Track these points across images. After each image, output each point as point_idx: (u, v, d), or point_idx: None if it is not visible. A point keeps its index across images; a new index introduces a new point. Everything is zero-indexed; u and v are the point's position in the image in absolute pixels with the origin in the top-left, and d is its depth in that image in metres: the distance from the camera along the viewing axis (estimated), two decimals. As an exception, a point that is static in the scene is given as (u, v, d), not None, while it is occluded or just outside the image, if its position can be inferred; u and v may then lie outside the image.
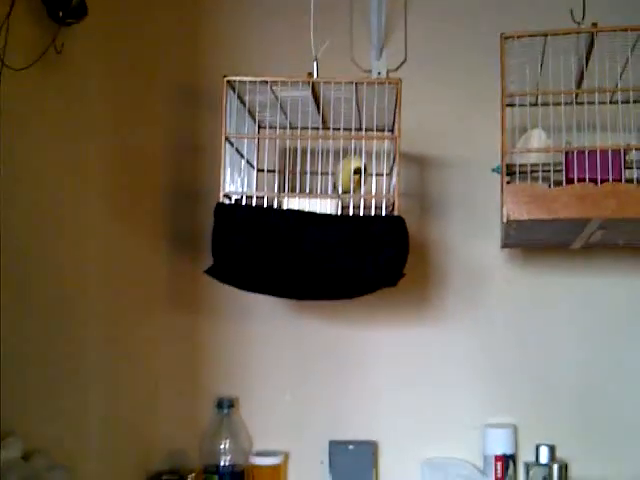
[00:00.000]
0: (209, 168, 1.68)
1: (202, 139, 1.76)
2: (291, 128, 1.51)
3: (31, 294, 1.59)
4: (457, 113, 1.74)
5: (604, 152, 1.31)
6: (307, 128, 1.47)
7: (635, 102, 1.44)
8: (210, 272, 1.38)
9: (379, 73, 1.76)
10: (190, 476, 1.65)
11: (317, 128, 1.52)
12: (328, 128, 1.47)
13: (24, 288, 1.57)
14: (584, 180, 1.30)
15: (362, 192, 1.41)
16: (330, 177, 1.48)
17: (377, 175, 1.49)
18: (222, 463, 1.67)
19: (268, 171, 1.51)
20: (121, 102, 1.78)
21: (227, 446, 1.68)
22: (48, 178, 1.63)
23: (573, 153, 1.33)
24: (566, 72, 1.39)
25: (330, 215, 1.38)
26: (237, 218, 1.36)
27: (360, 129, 1.45)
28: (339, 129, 1.44)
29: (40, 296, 1.61)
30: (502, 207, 1.33)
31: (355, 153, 1.43)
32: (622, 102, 1.39)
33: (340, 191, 1.41)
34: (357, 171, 1.43)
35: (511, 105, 1.41)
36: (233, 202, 1.41)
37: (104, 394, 1.71)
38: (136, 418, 1.73)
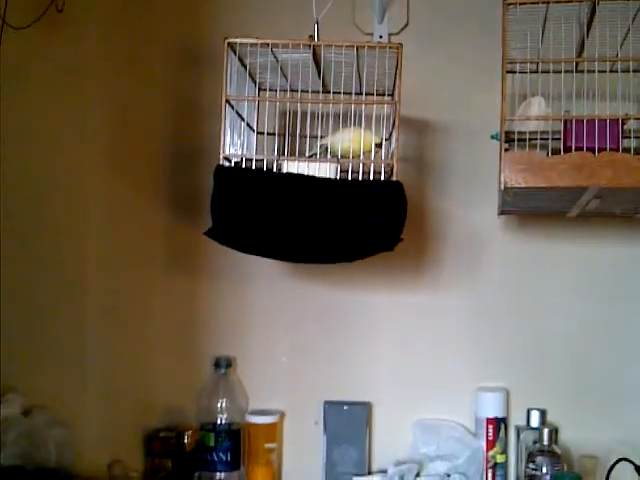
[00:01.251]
0: (208, 129, 1.69)
1: (202, 100, 1.75)
2: (291, 91, 1.51)
3: (30, 252, 1.60)
4: (457, 78, 1.73)
5: (602, 121, 1.32)
6: (307, 91, 1.47)
7: (635, 71, 1.43)
8: (209, 234, 1.39)
9: (380, 37, 1.76)
10: (187, 433, 1.67)
11: (317, 92, 1.51)
12: (328, 92, 1.47)
13: (23, 246, 1.58)
14: (582, 149, 1.31)
15: (360, 158, 1.41)
16: (323, 141, 1.48)
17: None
18: (219, 421, 1.70)
19: (268, 134, 1.51)
20: (121, 62, 1.77)
21: (224, 405, 1.70)
22: (47, 137, 1.63)
23: (572, 122, 1.33)
24: (567, 40, 1.38)
25: (329, 179, 1.38)
26: (237, 181, 1.37)
27: (360, 93, 1.46)
28: (339, 93, 1.44)
29: (40, 254, 1.63)
30: (500, 174, 1.34)
31: (355, 117, 1.43)
32: (622, 71, 1.38)
33: (339, 155, 1.41)
34: (379, 145, 1.44)
35: (512, 72, 1.40)
36: (233, 165, 1.42)
37: (103, 352, 1.74)
38: (134, 376, 1.75)
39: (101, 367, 1.74)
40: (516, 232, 1.73)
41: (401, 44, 1.38)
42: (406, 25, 1.77)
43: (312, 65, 1.44)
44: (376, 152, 1.43)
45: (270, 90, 1.52)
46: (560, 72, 1.38)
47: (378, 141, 1.44)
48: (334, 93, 1.44)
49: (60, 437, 1.59)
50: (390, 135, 1.45)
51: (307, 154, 1.44)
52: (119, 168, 1.77)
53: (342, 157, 1.41)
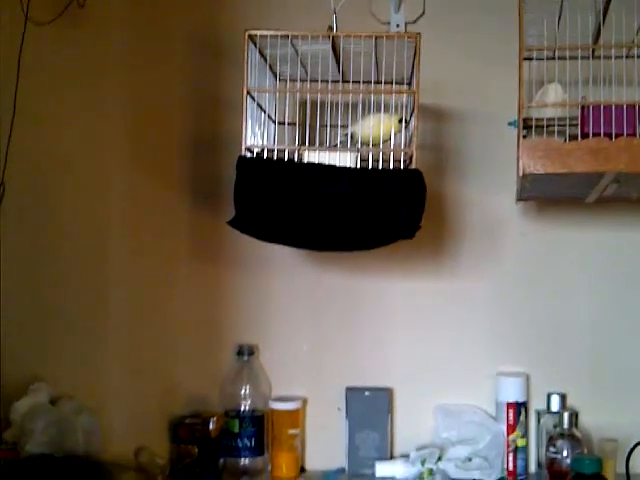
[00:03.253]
0: (229, 119, 1.71)
1: (222, 90, 1.77)
2: (311, 81, 1.53)
3: (54, 244, 1.63)
4: (474, 65, 1.74)
5: (619, 107, 1.33)
6: (326, 81, 1.48)
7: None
8: (232, 223, 1.41)
9: (397, 25, 1.76)
10: (212, 420, 1.69)
11: (336, 81, 1.52)
12: (347, 81, 1.48)
13: (47, 239, 1.61)
14: (599, 135, 1.32)
15: (380, 147, 1.43)
16: (349, 129, 1.49)
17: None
18: (242, 408, 1.72)
19: (288, 124, 1.52)
20: (142, 54, 1.79)
21: (247, 391, 1.72)
22: (67, 131, 1.66)
23: (589, 108, 1.35)
24: (583, 27, 1.39)
25: (349, 168, 1.40)
26: (259, 171, 1.39)
27: (379, 82, 1.47)
28: (358, 82, 1.45)
29: (63, 246, 1.66)
30: (518, 161, 1.35)
31: (374, 106, 1.45)
32: (638, 57, 1.39)
33: (359, 144, 1.43)
34: (401, 120, 1.46)
35: (529, 59, 1.41)
36: (255, 155, 1.44)
37: (128, 341, 1.77)
38: (159, 364, 1.77)
39: (126, 355, 1.77)
40: (534, 218, 1.74)
41: (419, 34, 1.40)
42: (422, 13, 1.76)
43: (331, 55, 1.46)
44: (398, 131, 1.44)
45: (289, 80, 1.53)
46: (577, 58, 1.39)
47: (400, 118, 1.45)
48: (353, 82, 1.45)
49: (87, 425, 1.62)
50: (408, 123, 1.47)
51: (332, 143, 1.45)
52: (141, 160, 1.79)
53: (365, 144, 1.43)
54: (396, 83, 1.46)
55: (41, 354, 1.66)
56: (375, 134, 1.43)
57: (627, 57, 1.44)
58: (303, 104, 1.55)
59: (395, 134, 1.44)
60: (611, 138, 1.31)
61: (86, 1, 1.56)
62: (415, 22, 1.74)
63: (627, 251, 1.72)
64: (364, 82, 1.45)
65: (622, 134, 1.31)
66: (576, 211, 1.71)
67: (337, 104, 1.47)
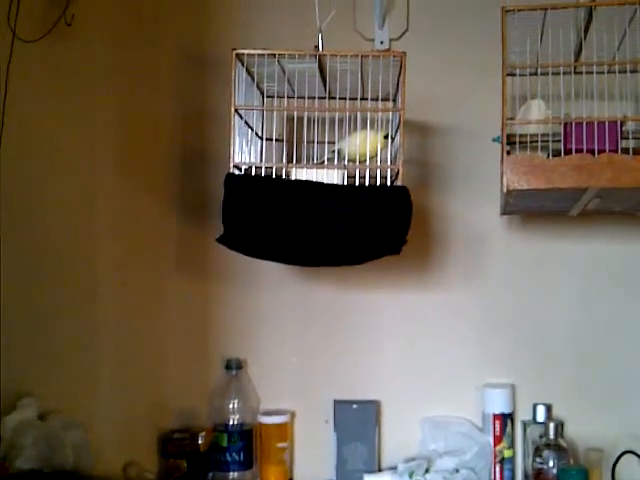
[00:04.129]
0: (215, 134, 1.73)
1: (208, 105, 1.78)
2: (297, 98, 1.54)
3: (41, 258, 1.63)
4: (458, 81, 1.76)
5: (601, 124, 1.35)
6: (313, 98, 1.49)
7: (632, 72, 1.46)
8: (221, 240, 1.43)
9: (382, 42, 1.79)
10: (201, 434, 1.69)
11: (323, 97, 1.54)
12: (333, 97, 1.50)
13: (34, 252, 1.61)
14: (582, 151, 1.34)
15: (367, 162, 1.44)
16: (336, 146, 1.51)
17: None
18: (231, 422, 1.73)
19: (275, 140, 1.54)
20: (129, 70, 1.80)
21: (236, 405, 1.73)
22: (55, 145, 1.66)
23: (571, 124, 1.37)
24: (565, 43, 1.42)
25: (336, 185, 1.41)
26: (247, 188, 1.40)
27: (365, 98, 1.49)
28: (344, 98, 1.47)
29: (50, 260, 1.66)
30: (502, 177, 1.37)
31: (360, 123, 1.46)
32: (619, 72, 1.41)
33: (346, 161, 1.45)
34: (386, 136, 1.47)
35: (512, 74, 1.43)
36: (242, 172, 1.45)
37: (117, 356, 1.77)
38: (148, 379, 1.78)
39: (114, 370, 1.77)
40: (519, 231, 1.75)
41: (404, 53, 1.41)
42: (406, 30, 1.79)
43: (317, 73, 1.47)
44: (384, 147, 1.46)
45: (276, 97, 1.54)
46: (559, 74, 1.41)
47: (385, 134, 1.47)
48: (339, 99, 1.47)
49: (76, 440, 1.62)
50: (393, 139, 1.48)
51: (320, 159, 1.46)
52: (128, 174, 1.79)
53: (351, 161, 1.45)
54: (382, 99, 1.48)
55: (29, 369, 1.65)
56: (361, 151, 1.44)
57: (608, 72, 1.45)
58: (290, 120, 1.57)
59: (381, 150, 1.45)
60: (594, 154, 1.33)
61: (73, 19, 1.56)
62: (399, 39, 1.78)
63: (611, 263, 1.73)
64: (350, 98, 1.47)
65: (604, 150, 1.34)
66: (560, 224, 1.72)
67: (323, 120, 1.49)
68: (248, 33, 1.76)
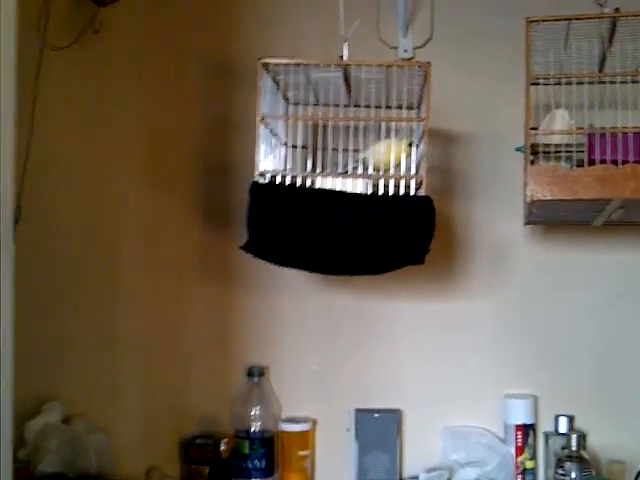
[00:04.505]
0: (240, 141, 1.74)
1: (233, 114, 1.79)
2: (321, 105, 1.55)
3: (66, 265, 1.65)
4: (481, 90, 1.76)
5: (626, 134, 1.35)
6: (337, 105, 1.50)
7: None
8: (245, 248, 1.43)
9: (405, 50, 1.80)
10: (223, 441, 1.70)
11: (347, 106, 1.54)
12: (358, 105, 1.51)
13: (60, 259, 1.63)
14: (605, 161, 1.34)
15: (392, 171, 1.45)
16: (361, 154, 1.52)
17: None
18: (253, 429, 1.73)
19: (300, 147, 1.55)
20: (156, 79, 1.81)
21: (257, 412, 1.73)
22: (81, 153, 1.68)
23: (595, 135, 1.37)
24: (589, 53, 1.42)
25: (361, 194, 1.42)
26: (272, 197, 1.41)
27: (389, 107, 1.49)
28: (368, 106, 1.48)
29: (75, 267, 1.68)
30: (525, 187, 1.38)
31: (385, 131, 1.47)
32: (644, 82, 1.42)
33: (370, 170, 1.45)
34: (411, 144, 1.47)
35: (535, 84, 1.43)
36: (267, 181, 1.46)
37: (140, 362, 1.78)
38: (171, 385, 1.79)
39: (138, 375, 1.78)
40: (542, 241, 1.75)
41: (429, 63, 1.42)
42: (430, 38, 1.80)
43: (342, 82, 1.48)
44: (408, 155, 1.46)
45: (300, 104, 1.55)
46: (583, 83, 1.41)
47: (410, 142, 1.48)
48: (364, 107, 1.47)
49: (99, 444, 1.63)
50: (418, 146, 1.49)
51: (344, 167, 1.47)
52: (153, 181, 1.81)
53: (376, 169, 1.46)
54: (406, 107, 1.48)
55: (54, 374, 1.67)
56: (386, 159, 1.45)
57: (633, 82, 1.45)
58: (314, 127, 1.58)
59: (405, 158, 1.46)
60: (617, 165, 1.33)
61: (101, 27, 1.58)
62: (423, 47, 1.78)
63: (634, 273, 1.73)
64: (374, 107, 1.48)
65: (628, 161, 1.33)
66: (583, 234, 1.72)
67: (347, 128, 1.49)
68: (273, 41, 1.77)
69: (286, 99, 1.57)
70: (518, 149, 1.47)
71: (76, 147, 1.67)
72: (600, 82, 1.44)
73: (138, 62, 1.80)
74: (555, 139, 1.43)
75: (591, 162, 1.36)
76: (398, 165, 1.46)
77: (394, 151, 1.46)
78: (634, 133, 1.35)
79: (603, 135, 1.36)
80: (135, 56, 1.79)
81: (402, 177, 1.44)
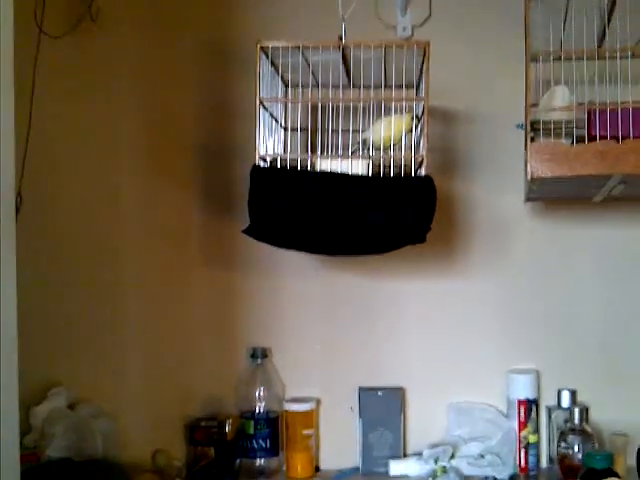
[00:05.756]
0: (239, 125, 1.74)
1: (232, 98, 1.78)
2: (320, 87, 1.54)
3: (68, 250, 1.65)
4: (481, 67, 1.76)
5: (626, 109, 1.34)
6: (336, 86, 1.48)
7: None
8: (247, 232, 1.44)
9: (404, 29, 1.79)
10: (228, 422, 1.71)
11: (346, 86, 1.53)
12: (356, 86, 1.50)
13: (62, 245, 1.63)
14: (606, 137, 1.34)
15: (391, 152, 1.45)
16: (360, 136, 1.51)
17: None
18: (257, 409, 1.75)
19: (300, 129, 1.54)
20: (154, 64, 1.80)
21: (261, 393, 1.75)
22: (81, 138, 1.67)
23: (595, 111, 1.36)
24: (589, 28, 1.41)
25: (362, 176, 1.42)
26: (273, 180, 1.41)
27: (388, 86, 1.49)
28: (368, 86, 1.47)
29: (77, 252, 1.68)
30: (526, 165, 1.37)
31: (384, 111, 1.47)
32: (644, 57, 1.41)
33: (371, 150, 1.45)
34: (413, 118, 1.47)
35: (535, 60, 1.42)
36: (268, 164, 1.46)
37: (144, 346, 1.79)
38: (175, 368, 1.79)
39: (142, 359, 1.79)
40: (542, 217, 1.76)
41: (428, 42, 1.41)
42: (429, 16, 1.79)
43: (341, 63, 1.48)
44: (409, 131, 1.46)
45: (299, 86, 1.54)
46: (583, 59, 1.41)
47: (411, 118, 1.47)
48: (363, 87, 1.47)
49: (105, 428, 1.64)
50: (419, 120, 1.48)
51: (344, 148, 1.46)
52: (153, 167, 1.80)
53: (376, 148, 1.45)
54: (405, 86, 1.48)
55: (59, 359, 1.68)
56: (386, 134, 1.45)
57: (632, 57, 1.44)
58: (313, 109, 1.57)
59: (407, 132, 1.45)
60: (618, 140, 1.33)
61: (98, 14, 1.57)
62: (422, 25, 1.77)
63: (636, 248, 1.74)
64: (374, 87, 1.47)
65: (629, 136, 1.33)
66: (584, 209, 1.72)
67: (347, 108, 1.49)
68: (270, 24, 1.76)
69: (285, 82, 1.56)
70: (518, 126, 1.46)
71: (75, 135, 1.66)
72: (600, 58, 1.42)
73: (136, 48, 1.78)
74: (555, 115, 1.42)
75: (591, 138, 1.36)
76: (399, 141, 1.46)
77: (395, 125, 1.45)
78: (634, 108, 1.34)
79: (603, 111, 1.35)
80: (133, 42, 1.78)
81: (402, 157, 1.43)
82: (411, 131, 1.46)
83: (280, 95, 1.55)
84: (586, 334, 1.75)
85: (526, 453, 1.71)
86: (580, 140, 1.38)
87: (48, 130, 1.53)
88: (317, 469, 1.79)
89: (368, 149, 1.46)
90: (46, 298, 1.64)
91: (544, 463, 1.74)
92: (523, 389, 1.72)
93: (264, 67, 1.45)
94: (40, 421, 1.59)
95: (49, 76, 1.49)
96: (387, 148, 1.47)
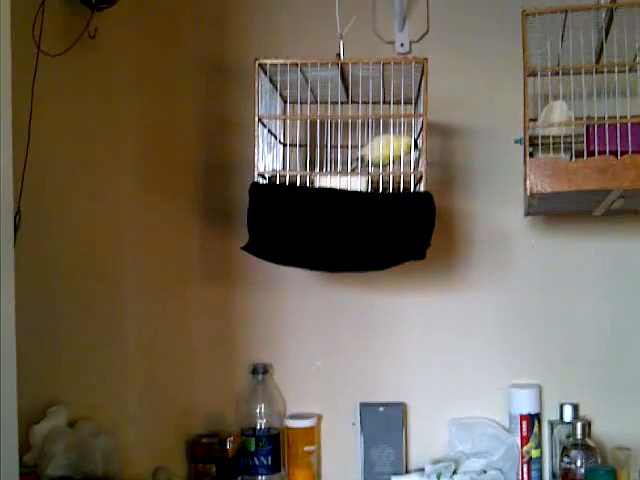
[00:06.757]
0: (238, 141, 1.74)
1: (231, 114, 1.79)
2: (320, 103, 1.54)
3: (67, 266, 1.65)
4: (479, 82, 1.76)
5: (624, 124, 1.35)
6: (335, 102, 1.49)
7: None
8: (246, 248, 1.44)
9: (402, 45, 1.79)
10: (229, 439, 1.71)
11: (345, 103, 1.54)
12: (355, 102, 1.50)
13: (61, 261, 1.63)
14: (605, 152, 1.34)
15: (390, 169, 1.45)
16: (359, 152, 1.52)
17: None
18: (258, 426, 1.74)
19: (299, 145, 1.55)
20: (153, 80, 1.81)
21: (262, 410, 1.74)
22: (81, 156, 1.67)
23: (594, 126, 1.37)
24: (586, 44, 1.42)
25: (361, 192, 1.42)
26: (271, 197, 1.41)
27: (387, 102, 1.49)
28: (366, 102, 1.48)
29: (77, 268, 1.67)
30: (525, 180, 1.37)
31: (383, 127, 1.47)
32: (640, 71, 1.41)
33: (370, 167, 1.45)
34: (412, 144, 1.47)
35: (533, 75, 1.43)
36: (267, 181, 1.46)
37: (144, 363, 1.78)
38: (175, 385, 1.79)
39: (142, 376, 1.78)
40: (543, 231, 1.75)
41: (426, 59, 1.41)
42: (426, 32, 1.79)
43: (339, 80, 1.48)
44: (407, 154, 1.46)
45: (298, 102, 1.54)
46: (580, 74, 1.41)
47: (410, 142, 1.47)
48: (362, 103, 1.47)
49: (106, 446, 1.63)
50: (415, 143, 1.49)
51: (343, 164, 1.46)
52: (152, 183, 1.80)
53: (375, 166, 1.45)
54: (404, 102, 1.48)
55: (58, 377, 1.67)
56: (385, 154, 1.45)
57: (630, 71, 1.44)
58: (312, 125, 1.57)
59: (405, 155, 1.45)
60: (616, 155, 1.33)
61: (97, 31, 1.58)
62: (419, 41, 1.78)
63: (636, 261, 1.73)
64: (372, 103, 1.47)
65: (627, 151, 1.33)
66: (584, 223, 1.72)
67: (346, 124, 1.49)
68: (269, 41, 1.77)
69: (283, 98, 1.57)
70: (517, 141, 1.47)
71: (74, 152, 1.66)
72: (598, 72, 1.43)
73: (135, 65, 1.79)
74: (554, 131, 1.42)
75: (590, 153, 1.36)
76: (397, 160, 1.46)
77: (393, 146, 1.45)
78: (632, 123, 1.35)
79: (602, 126, 1.36)
80: (132, 59, 1.78)
81: (401, 173, 1.43)
82: (409, 154, 1.46)
83: (279, 111, 1.55)
84: (588, 348, 1.75)
85: (529, 468, 1.70)
86: (579, 155, 1.38)
87: (47, 148, 1.53)
88: (319, 485, 1.78)
89: (366, 165, 1.47)
90: (45, 315, 1.63)
91: (547, 478, 1.73)
92: (525, 404, 1.71)
93: (263, 84, 1.45)
94: (40, 439, 1.58)
95: (48, 94, 1.49)
96: (385, 165, 1.46)
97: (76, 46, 1.53)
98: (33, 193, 1.46)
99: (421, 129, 1.44)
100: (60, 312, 1.68)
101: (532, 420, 1.70)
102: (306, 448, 1.75)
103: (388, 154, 1.46)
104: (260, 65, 1.42)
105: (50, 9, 1.44)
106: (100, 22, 1.59)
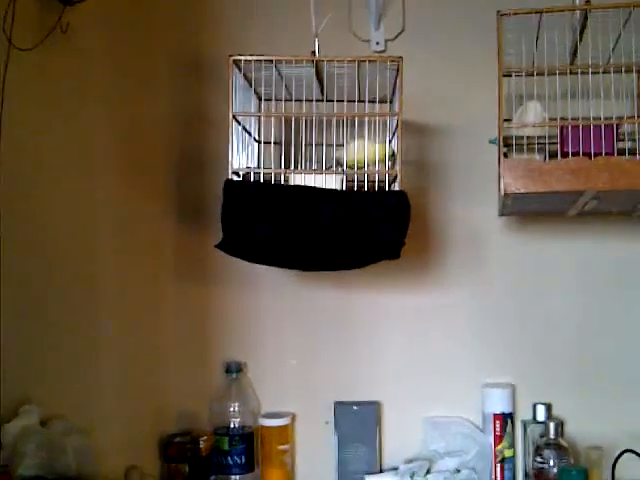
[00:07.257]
0: (213, 138, 1.74)
1: (205, 110, 1.78)
2: (295, 101, 1.54)
3: (40, 264, 1.63)
4: (455, 81, 1.76)
5: (597, 126, 1.35)
6: (310, 100, 1.49)
7: (627, 72, 1.45)
8: (221, 246, 1.43)
9: (377, 43, 1.79)
10: (202, 438, 1.70)
11: (320, 100, 1.53)
12: (331, 100, 1.50)
13: (33, 258, 1.61)
14: (578, 153, 1.35)
15: (365, 167, 1.45)
16: (334, 149, 1.51)
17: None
18: (232, 425, 1.73)
19: (273, 143, 1.54)
20: (126, 75, 1.78)
21: (236, 409, 1.74)
22: (53, 152, 1.66)
23: (568, 127, 1.37)
24: (561, 44, 1.42)
25: (336, 191, 1.42)
26: (246, 194, 1.40)
27: (361, 100, 1.49)
28: (341, 100, 1.47)
29: (50, 266, 1.66)
30: (499, 180, 1.38)
31: (358, 126, 1.46)
32: (614, 72, 1.42)
33: (345, 166, 1.45)
34: (392, 154, 1.48)
35: (508, 75, 1.43)
36: (241, 178, 1.45)
37: (117, 360, 1.75)
38: (149, 383, 1.77)
39: (115, 375, 1.75)
40: (517, 231, 1.76)
41: (401, 57, 1.41)
42: (402, 31, 1.80)
43: (314, 77, 1.47)
44: (382, 160, 1.47)
45: (274, 100, 1.53)
46: (555, 74, 1.42)
47: (389, 152, 1.48)
48: (337, 101, 1.47)
49: (78, 445, 1.61)
50: (390, 141, 1.49)
51: (316, 161, 1.46)
52: (126, 180, 1.78)
53: (350, 168, 1.45)
54: (379, 101, 1.48)
55: (30, 376, 1.65)
56: (359, 157, 1.44)
57: (604, 72, 1.45)
58: (287, 122, 1.57)
59: (380, 162, 1.46)
60: (590, 157, 1.34)
61: (69, 26, 1.56)
62: (395, 39, 1.78)
63: (609, 262, 1.74)
64: (347, 101, 1.47)
65: (601, 153, 1.34)
66: (558, 224, 1.73)
67: (321, 122, 1.48)
68: (244, 37, 1.77)
69: (258, 95, 1.56)
70: (491, 141, 1.47)
71: (47, 149, 1.64)
72: (573, 73, 1.44)
73: (107, 61, 1.76)
74: (528, 131, 1.43)
75: (564, 154, 1.36)
76: (372, 164, 1.46)
77: (368, 152, 1.45)
78: (605, 125, 1.36)
79: (575, 127, 1.36)
80: (104, 55, 1.76)
81: (377, 173, 1.43)
82: (384, 160, 1.46)
83: (254, 108, 1.54)
84: (561, 348, 1.75)
85: (502, 468, 1.71)
86: (553, 156, 1.39)
87: (17, 146, 1.51)
88: (293, 485, 1.78)
89: (341, 165, 1.46)
90: (16, 314, 1.62)
91: (520, 478, 1.74)
92: (498, 403, 1.72)
93: (237, 80, 1.44)
94: (11, 439, 1.56)
95: (19, 89, 1.47)
96: (360, 168, 1.46)
97: (47, 41, 1.51)
98: (4, 190, 1.45)
99: (396, 128, 1.44)
100: (31, 309, 1.66)
101: (505, 419, 1.71)
102: (280, 447, 1.74)
103: (362, 158, 1.46)
104: (235, 61, 1.42)
105: (21, 2, 1.42)
106: (72, 17, 1.57)
